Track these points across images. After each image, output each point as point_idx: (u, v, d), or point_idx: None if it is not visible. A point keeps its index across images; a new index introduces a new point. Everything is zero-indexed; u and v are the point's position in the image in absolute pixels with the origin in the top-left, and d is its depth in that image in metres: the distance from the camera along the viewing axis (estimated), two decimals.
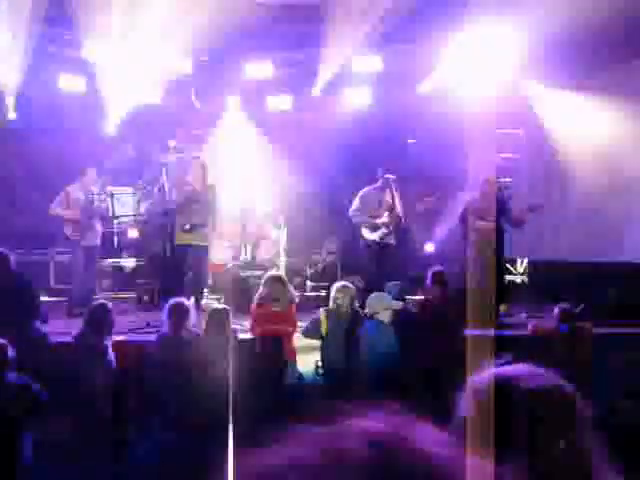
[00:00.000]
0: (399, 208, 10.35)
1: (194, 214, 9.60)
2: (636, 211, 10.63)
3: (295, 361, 7.42)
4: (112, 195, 10.48)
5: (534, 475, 1.29)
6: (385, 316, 7.23)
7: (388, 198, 10.28)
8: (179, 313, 6.73)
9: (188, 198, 9.63)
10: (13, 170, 11.63)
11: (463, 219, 9.36)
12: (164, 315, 6.82)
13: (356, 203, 10.33)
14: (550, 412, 1.33)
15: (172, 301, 6.92)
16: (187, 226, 9.55)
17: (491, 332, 6.37)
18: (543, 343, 7.15)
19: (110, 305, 6.95)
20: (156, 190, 10.78)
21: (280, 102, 12.30)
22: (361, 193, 10.37)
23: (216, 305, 8.66)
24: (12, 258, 7.37)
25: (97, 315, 6.67)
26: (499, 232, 9.40)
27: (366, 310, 7.36)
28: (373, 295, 7.50)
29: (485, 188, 9.40)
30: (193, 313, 6.93)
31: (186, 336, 6.72)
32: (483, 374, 1.42)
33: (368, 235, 10.29)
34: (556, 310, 7.36)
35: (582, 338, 6.98)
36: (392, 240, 10.33)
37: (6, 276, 7.20)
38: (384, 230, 10.23)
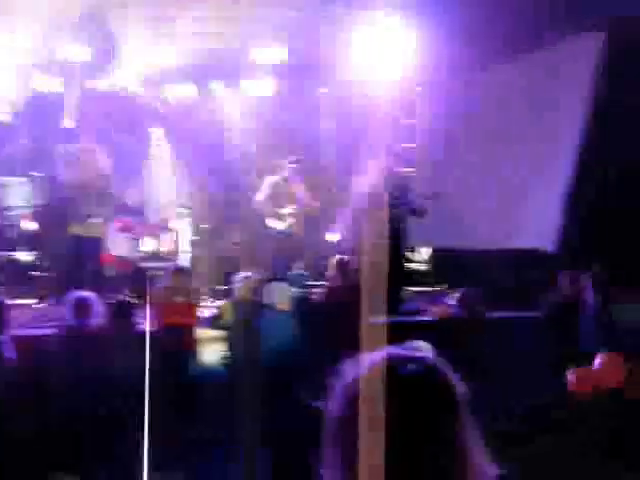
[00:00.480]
0: (306, 197, 10.39)
1: (89, 204, 9.38)
2: (534, 198, 10.95)
3: (199, 352, 7.36)
4: (4, 186, 10.11)
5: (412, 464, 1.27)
6: (285, 306, 7.24)
7: (294, 187, 10.31)
8: (82, 307, 6.57)
9: (82, 188, 9.39)
10: None
11: (362, 209, 9.45)
12: (66, 309, 6.65)
13: (262, 192, 10.32)
14: (424, 398, 1.30)
15: (74, 294, 6.75)
16: (81, 217, 9.33)
17: (389, 319, 6.44)
18: (443, 329, 7.31)
19: (4, 300, 6.72)
20: (51, 180, 10.42)
21: (183, 90, 12.14)
22: (266, 182, 10.37)
23: (119, 297, 8.52)
24: None
25: None
26: (401, 221, 9.53)
27: (265, 300, 7.34)
28: (272, 285, 7.50)
29: (383, 178, 9.49)
30: (96, 306, 6.76)
31: (90, 330, 6.57)
32: (353, 368, 1.38)
33: (274, 224, 10.30)
34: (455, 295, 7.57)
35: (476, 322, 7.14)
36: (298, 229, 10.38)
37: None
38: (290, 220, 10.26)
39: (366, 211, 9.16)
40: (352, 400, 1.30)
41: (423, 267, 11.84)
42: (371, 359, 1.36)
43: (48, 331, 7.18)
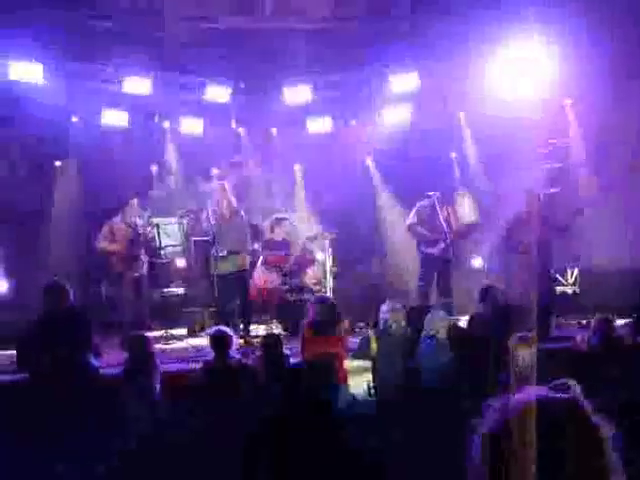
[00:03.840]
0: (454, 222, 10.36)
1: (229, 240, 9.64)
2: None
3: (347, 383, 7.37)
4: (157, 226, 10.57)
5: None
6: (443, 333, 7.15)
7: (444, 212, 10.30)
8: (221, 341, 6.75)
9: (219, 224, 9.69)
10: (61, 205, 11.85)
11: (509, 234, 9.28)
12: (208, 344, 6.87)
13: (413, 217, 10.37)
14: (568, 439, 1.31)
15: (213, 330, 6.97)
16: (223, 253, 9.60)
17: (540, 346, 6.21)
18: (587, 357, 6.86)
19: (148, 335, 7.04)
20: (204, 217, 10.83)
21: (320, 124, 12.34)
22: (417, 207, 10.41)
23: (267, 331, 8.75)
24: (71, 291, 7.45)
25: (136, 347, 6.71)
26: (546, 243, 9.28)
27: (425, 329, 7.26)
28: (431, 314, 7.42)
29: (529, 201, 9.31)
30: (234, 340, 6.92)
31: (231, 364, 6.72)
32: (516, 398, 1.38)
33: (428, 249, 10.28)
34: (593, 322, 7.08)
35: (617, 350, 6.55)
36: (450, 255, 10.32)
37: (63, 308, 7.26)
38: (442, 245, 10.21)
39: (516, 237, 9.01)
40: (505, 421, 1.34)
41: (571, 290, 11.41)
42: (519, 400, 1.37)
43: (196, 365, 7.40)
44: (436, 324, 7.18)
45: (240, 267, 9.75)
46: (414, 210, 10.42)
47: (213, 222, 9.75)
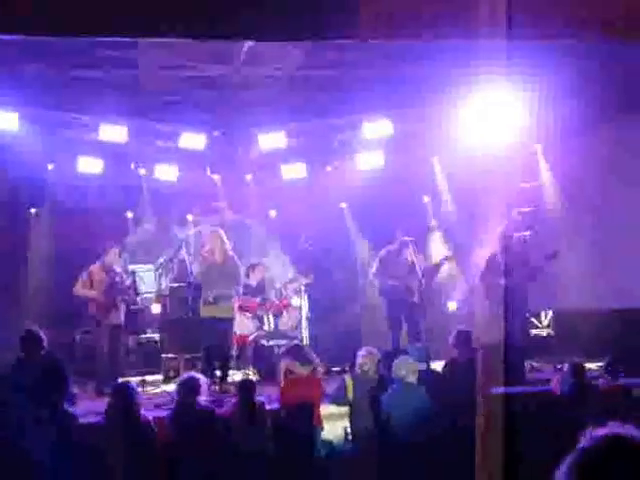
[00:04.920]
0: (419, 267, 10.43)
1: (217, 286, 9.66)
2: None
3: (322, 427, 7.38)
4: (134, 273, 10.56)
5: None
6: (412, 378, 7.18)
7: (408, 258, 10.38)
8: (189, 388, 6.75)
9: (209, 270, 9.72)
10: (36, 252, 11.83)
11: (484, 277, 9.37)
12: (174, 390, 6.88)
13: (376, 264, 10.47)
14: None
15: (183, 376, 6.99)
16: (211, 298, 9.61)
17: (517, 390, 6.28)
18: (561, 402, 6.91)
19: (133, 383, 6.99)
20: (177, 264, 10.87)
21: (294, 170, 12.44)
22: (380, 254, 10.51)
23: (243, 377, 8.75)
24: (44, 338, 7.42)
25: (121, 395, 6.68)
26: (521, 286, 9.38)
27: (392, 374, 7.30)
28: (399, 358, 7.46)
29: (503, 243, 9.42)
30: (204, 387, 6.91)
31: (198, 410, 6.71)
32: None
33: (390, 296, 10.36)
34: (566, 366, 7.15)
35: (590, 395, 6.62)
36: (415, 299, 10.38)
37: (39, 356, 7.23)
38: (404, 290, 10.29)
39: (491, 280, 9.09)
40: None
41: (545, 332, 11.51)
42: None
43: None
44: (401, 369, 7.21)
45: (229, 313, 9.79)
46: (377, 257, 10.56)
47: (200, 267, 9.82)
